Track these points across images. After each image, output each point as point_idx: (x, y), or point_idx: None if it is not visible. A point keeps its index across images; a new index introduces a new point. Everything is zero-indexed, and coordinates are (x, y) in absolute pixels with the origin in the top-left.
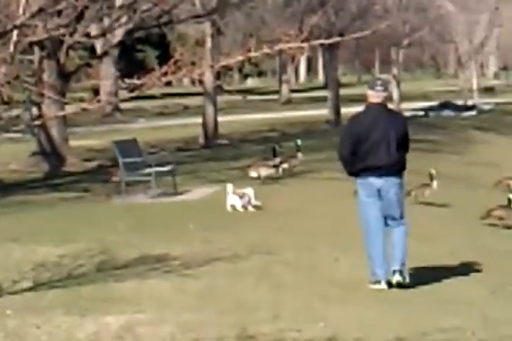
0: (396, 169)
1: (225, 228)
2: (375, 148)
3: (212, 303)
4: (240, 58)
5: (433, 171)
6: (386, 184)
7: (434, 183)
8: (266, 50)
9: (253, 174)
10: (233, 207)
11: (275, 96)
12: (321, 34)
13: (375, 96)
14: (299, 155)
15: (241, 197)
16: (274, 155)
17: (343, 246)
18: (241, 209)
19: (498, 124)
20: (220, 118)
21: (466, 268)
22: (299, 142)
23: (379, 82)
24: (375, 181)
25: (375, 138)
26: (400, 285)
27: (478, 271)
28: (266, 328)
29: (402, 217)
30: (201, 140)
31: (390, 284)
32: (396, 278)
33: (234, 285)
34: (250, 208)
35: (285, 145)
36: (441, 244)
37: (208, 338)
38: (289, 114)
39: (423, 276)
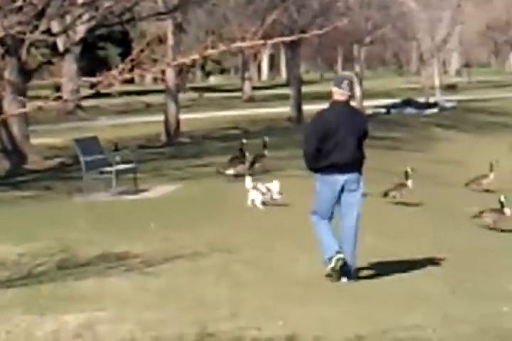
0: (358, 165)
1: (186, 226)
2: (340, 145)
3: (172, 301)
4: (196, 56)
5: (409, 170)
6: (349, 180)
7: (410, 182)
8: (223, 47)
9: (230, 171)
10: (253, 202)
11: (238, 94)
12: (283, 31)
13: (340, 94)
14: (266, 152)
15: (263, 193)
16: (242, 153)
17: (302, 244)
18: (260, 206)
19: (460, 122)
20: (182, 116)
21: (428, 266)
22: (267, 139)
23: (346, 81)
24: (339, 177)
25: (340, 135)
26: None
27: (440, 268)
28: (225, 326)
29: (358, 214)
30: (163, 138)
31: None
32: (343, 280)
33: (194, 283)
34: (260, 206)
35: (248, 143)
36: (405, 241)
37: (168, 336)
38: (252, 111)
39: (385, 273)
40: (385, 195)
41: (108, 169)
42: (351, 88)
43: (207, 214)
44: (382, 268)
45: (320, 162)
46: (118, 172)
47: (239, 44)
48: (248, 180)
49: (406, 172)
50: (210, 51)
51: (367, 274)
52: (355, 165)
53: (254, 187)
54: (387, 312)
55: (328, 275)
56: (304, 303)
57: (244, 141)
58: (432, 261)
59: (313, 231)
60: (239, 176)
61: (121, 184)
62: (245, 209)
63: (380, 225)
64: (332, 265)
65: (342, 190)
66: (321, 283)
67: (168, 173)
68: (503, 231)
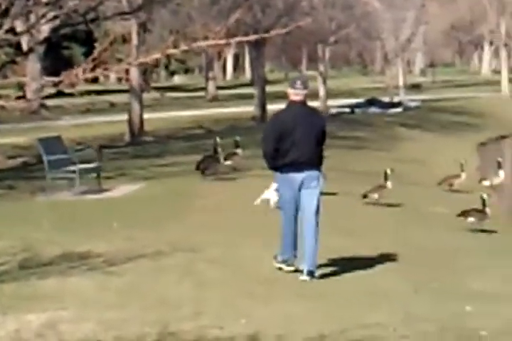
0: (316, 163)
1: (149, 225)
2: (297, 144)
3: (134, 300)
4: (158, 55)
5: (388, 171)
6: (307, 178)
7: (389, 183)
8: (184, 47)
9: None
10: (265, 201)
11: (202, 93)
12: (247, 31)
13: (295, 94)
14: (239, 151)
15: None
16: (215, 152)
17: (267, 242)
18: (273, 206)
19: (424, 121)
20: (146, 116)
21: (392, 264)
22: (238, 138)
23: (299, 81)
24: (297, 175)
25: (297, 134)
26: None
27: (405, 267)
28: (188, 325)
29: (317, 211)
30: (127, 137)
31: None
32: (303, 278)
33: (157, 282)
34: (273, 206)
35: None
36: (371, 240)
37: (130, 335)
38: (216, 110)
39: (348, 271)
40: (365, 196)
41: (71, 168)
42: (305, 87)
43: (170, 214)
44: (347, 267)
45: (279, 161)
46: (81, 172)
47: (200, 43)
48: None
49: (385, 173)
50: (171, 50)
51: (330, 271)
52: (313, 163)
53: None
54: (350, 311)
55: (280, 269)
56: (267, 301)
57: (218, 139)
58: (398, 260)
59: (282, 231)
60: (212, 174)
61: (85, 183)
62: (209, 208)
63: (348, 224)
64: (283, 267)
65: (301, 187)
66: (285, 281)
67: (131, 173)
68: (483, 231)
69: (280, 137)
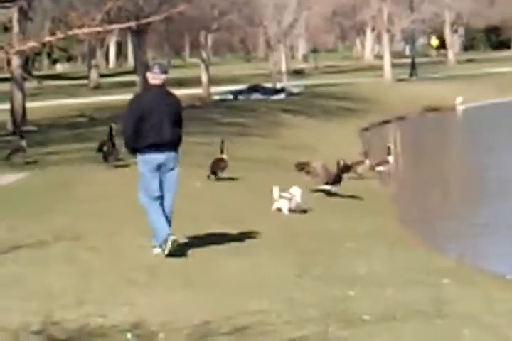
0: (175, 145)
1: (31, 215)
2: (157, 126)
3: (17, 290)
4: (35, 43)
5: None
6: (167, 158)
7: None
8: (60, 35)
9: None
10: (279, 210)
11: (85, 81)
12: (129, 18)
13: (153, 78)
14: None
15: (290, 199)
16: (110, 138)
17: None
18: (287, 213)
19: (307, 107)
20: (29, 104)
21: (273, 251)
22: (114, 126)
23: (157, 66)
24: (158, 156)
25: (156, 117)
26: (171, 255)
27: (286, 253)
28: (71, 314)
29: (175, 193)
30: (9, 126)
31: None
32: (157, 251)
33: (39, 272)
34: (286, 213)
35: (99, 130)
36: (250, 228)
37: (13, 325)
38: (98, 98)
39: (231, 259)
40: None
41: None
42: (164, 71)
43: (54, 203)
44: (230, 254)
45: (139, 143)
46: None
47: (76, 31)
48: (276, 189)
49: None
50: (48, 38)
51: (214, 259)
52: (172, 144)
53: (281, 196)
54: (234, 298)
55: (169, 256)
56: (150, 289)
57: (113, 125)
58: (281, 246)
59: (146, 211)
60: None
61: None
62: (93, 197)
63: (230, 212)
64: (169, 247)
65: (160, 168)
66: (168, 268)
67: (14, 162)
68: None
69: (139, 119)
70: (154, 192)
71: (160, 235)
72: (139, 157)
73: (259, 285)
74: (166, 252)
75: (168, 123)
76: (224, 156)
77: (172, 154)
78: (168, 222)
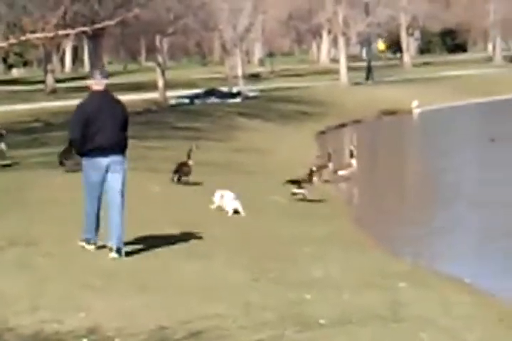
0: (121, 148)
1: None
2: (102, 130)
3: None
4: None
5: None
6: (112, 162)
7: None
8: (12, 40)
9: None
10: (236, 211)
11: (41, 86)
12: (85, 23)
13: (96, 84)
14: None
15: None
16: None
17: (104, 234)
18: (229, 214)
19: (263, 111)
20: None
21: (230, 255)
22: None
23: (97, 71)
24: (103, 159)
25: (101, 121)
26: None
27: (244, 257)
28: (26, 320)
29: (122, 193)
30: None
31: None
32: (113, 255)
33: None
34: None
35: (53, 136)
36: (207, 231)
37: None
38: (54, 104)
39: (187, 263)
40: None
41: None
42: (105, 76)
43: (8, 207)
44: (186, 258)
45: (86, 146)
46: None
47: (29, 36)
48: (227, 194)
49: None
50: (1, 44)
51: (168, 263)
52: (117, 148)
53: (236, 198)
54: (190, 303)
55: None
56: (106, 294)
57: None
58: (237, 250)
59: (83, 214)
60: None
61: None
62: (47, 201)
63: (184, 215)
64: (85, 246)
65: (107, 171)
66: (123, 273)
67: None
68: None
69: (86, 124)
70: (94, 193)
71: (85, 231)
72: (85, 160)
73: (215, 289)
74: (110, 258)
75: (113, 127)
76: (190, 162)
77: (118, 157)
78: (117, 220)
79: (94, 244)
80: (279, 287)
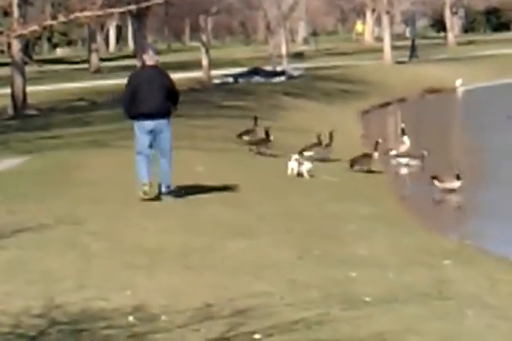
0: (165, 114)
1: (32, 198)
2: (147, 97)
3: (18, 274)
4: (36, 27)
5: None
6: (158, 124)
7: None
8: (62, 19)
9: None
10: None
11: (85, 66)
12: (129, 2)
13: (150, 60)
14: None
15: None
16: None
17: (151, 213)
18: (306, 175)
19: (307, 90)
20: (29, 88)
21: (275, 233)
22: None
23: (150, 48)
24: (148, 123)
25: (146, 90)
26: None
27: (289, 235)
28: (73, 298)
29: (170, 150)
30: (10, 110)
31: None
32: (168, 200)
33: (41, 255)
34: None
35: (97, 115)
36: (253, 210)
37: (15, 309)
38: (99, 82)
39: (232, 241)
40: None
41: None
42: (156, 53)
43: (54, 187)
44: (231, 236)
45: (133, 111)
46: None
47: (77, 14)
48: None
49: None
50: (48, 22)
51: (214, 242)
52: (162, 113)
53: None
54: (236, 281)
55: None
56: (152, 272)
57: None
58: (282, 228)
59: (135, 166)
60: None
61: None
62: (92, 181)
63: (233, 194)
64: (144, 188)
65: (154, 132)
66: (169, 252)
67: (15, 146)
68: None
69: (134, 91)
70: (143, 150)
71: (139, 181)
72: (135, 123)
73: (260, 267)
74: (139, 195)
75: (158, 95)
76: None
77: (163, 121)
78: (166, 177)
79: (149, 184)
80: (324, 264)
